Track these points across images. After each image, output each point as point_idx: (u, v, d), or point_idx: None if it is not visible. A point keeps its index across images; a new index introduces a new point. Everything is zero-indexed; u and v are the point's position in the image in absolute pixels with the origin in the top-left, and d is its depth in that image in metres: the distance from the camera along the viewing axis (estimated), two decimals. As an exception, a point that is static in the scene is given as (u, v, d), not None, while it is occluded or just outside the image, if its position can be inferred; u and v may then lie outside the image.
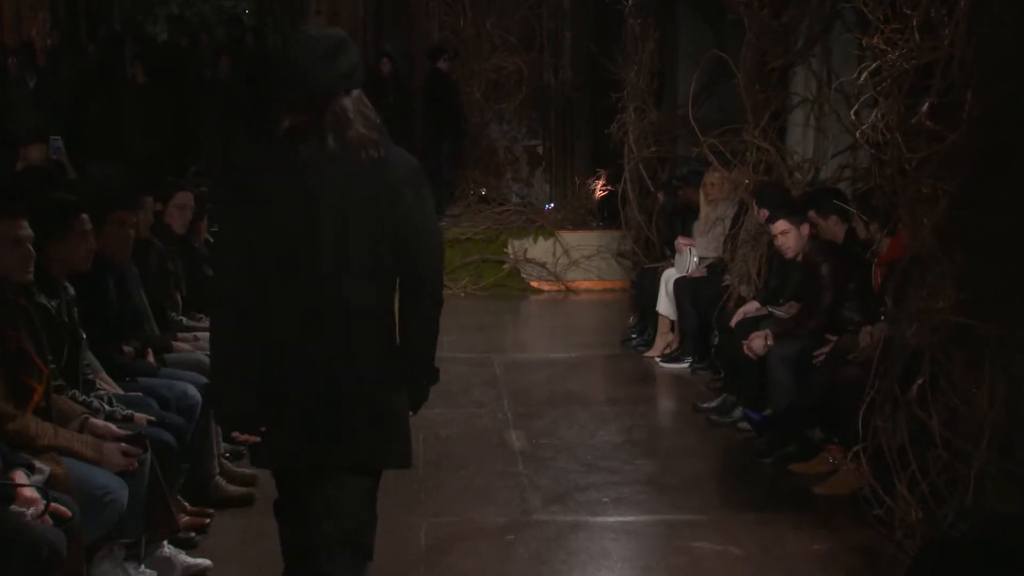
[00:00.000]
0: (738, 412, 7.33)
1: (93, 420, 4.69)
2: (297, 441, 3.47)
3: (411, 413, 3.66)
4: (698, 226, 9.26)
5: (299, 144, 3.37)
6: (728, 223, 8.80)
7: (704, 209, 9.16)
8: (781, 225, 7.08)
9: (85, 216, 5.06)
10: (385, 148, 3.44)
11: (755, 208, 7.85)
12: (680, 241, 9.42)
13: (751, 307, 7.65)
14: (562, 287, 13.28)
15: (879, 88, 5.30)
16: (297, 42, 3.45)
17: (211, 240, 7.45)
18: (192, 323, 6.70)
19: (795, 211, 7.13)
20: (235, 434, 3.52)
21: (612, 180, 13.21)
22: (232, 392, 3.45)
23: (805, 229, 7.02)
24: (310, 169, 3.37)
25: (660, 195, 10.37)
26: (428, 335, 3.61)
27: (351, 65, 3.42)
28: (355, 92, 3.44)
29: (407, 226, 3.44)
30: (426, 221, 3.49)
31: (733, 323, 7.58)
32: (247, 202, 3.39)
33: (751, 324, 7.31)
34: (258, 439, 3.48)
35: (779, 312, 7.30)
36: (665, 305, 9.33)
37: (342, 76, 3.40)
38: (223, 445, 6.25)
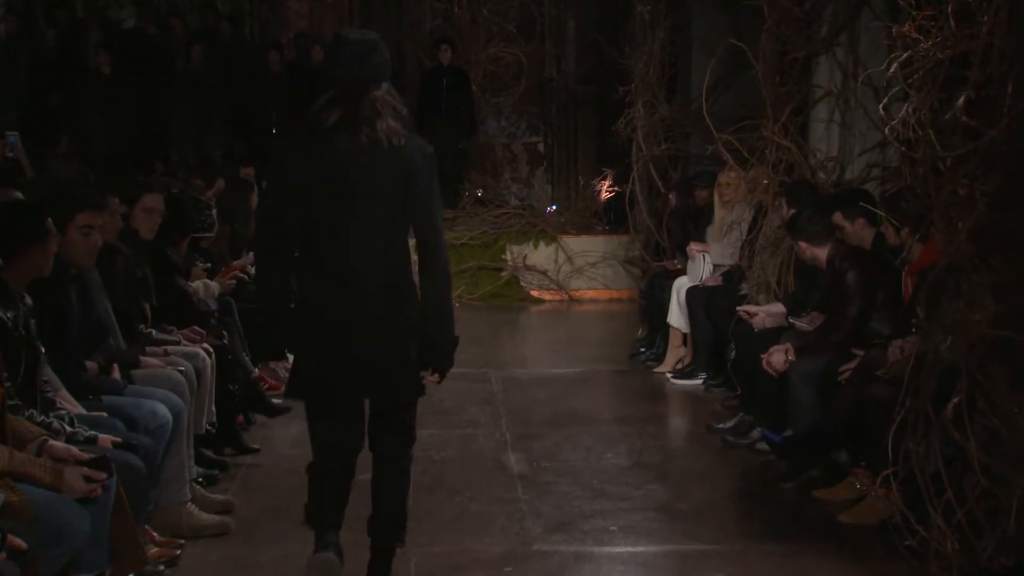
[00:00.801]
0: (756, 433, 7.32)
1: (52, 443, 4.65)
2: (332, 380, 4.62)
3: (437, 380, 4.72)
4: (712, 231, 9.26)
5: (340, 132, 4.49)
6: (745, 227, 8.81)
7: (719, 212, 9.17)
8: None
9: (49, 220, 5.04)
10: (406, 137, 4.55)
11: (785, 210, 7.84)
12: (693, 247, 9.41)
13: (776, 308, 7.62)
14: (565, 297, 13.31)
15: (910, 80, 5.27)
16: (338, 44, 4.59)
17: (190, 255, 7.79)
18: (162, 336, 6.67)
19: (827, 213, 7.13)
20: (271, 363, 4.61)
21: (619, 180, 13.26)
22: (273, 331, 4.75)
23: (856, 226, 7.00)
24: (347, 154, 4.49)
25: (671, 197, 10.38)
26: (442, 298, 4.64)
27: (381, 62, 4.57)
28: (384, 85, 4.57)
29: (420, 203, 4.55)
30: (434, 201, 4.60)
31: (754, 323, 7.61)
32: (296, 179, 4.53)
33: (770, 337, 7.29)
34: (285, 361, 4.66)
35: (801, 324, 7.28)
36: (677, 316, 9.34)
37: (374, 72, 4.54)
38: (196, 469, 6.23)
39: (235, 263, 8.71)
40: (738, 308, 7.86)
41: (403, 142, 4.54)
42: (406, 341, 4.62)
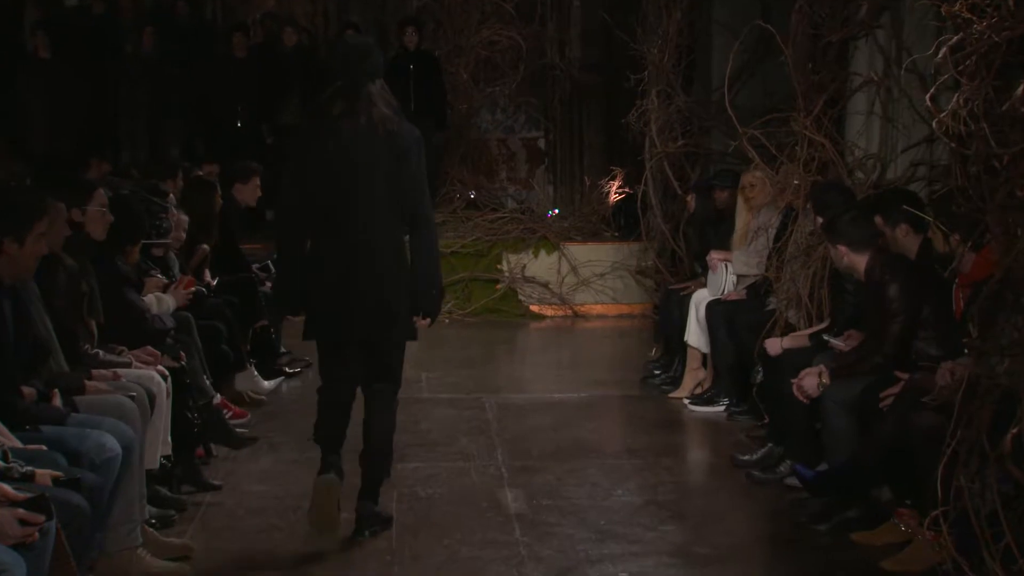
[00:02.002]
0: (786, 467, 7.31)
1: (-17, 480, 4.62)
2: (339, 324, 6.32)
3: (427, 323, 6.45)
4: (736, 237, 9.26)
5: (343, 120, 6.17)
6: (772, 233, 8.79)
7: (743, 216, 9.16)
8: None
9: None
10: (398, 123, 6.22)
11: (813, 216, 7.84)
12: (714, 256, 9.40)
13: (799, 339, 7.64)
14: (568, 312, 13.31)
15: (962, 67, 5.25)
16: (341, 47, 6.57)
17: (143, 264, 7.88)
18: (110, 357, 6.64)
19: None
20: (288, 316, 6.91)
21: (630, 181, 13.27)
22: (290, 285, 6.40)
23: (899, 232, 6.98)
24: (350, 137, 6.16)
25: (689, 199, 10.37)
26: (430, 254, 6.31)
27: (376, 63, 6.27)
28: (379, 81, 6.24)
29: (411, 180, 6.21)
30: (422, 177, 6.26)
31: (769, 349, 7.63)
32: (311, 158, 6.24)
33: (801, 358, 7.28)
34: (302, 317, 6.39)
35: (836, 343, 7.26)
36: (695, 335, 9.34)
37: (370, 70, 6.21)
38: (149, 509, 6.19)
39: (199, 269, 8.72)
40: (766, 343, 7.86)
41: (396, 127, 6.21)
42: (401, 291, 6.29)
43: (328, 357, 6.52)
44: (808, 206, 8.15)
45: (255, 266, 10.33)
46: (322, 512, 6.34)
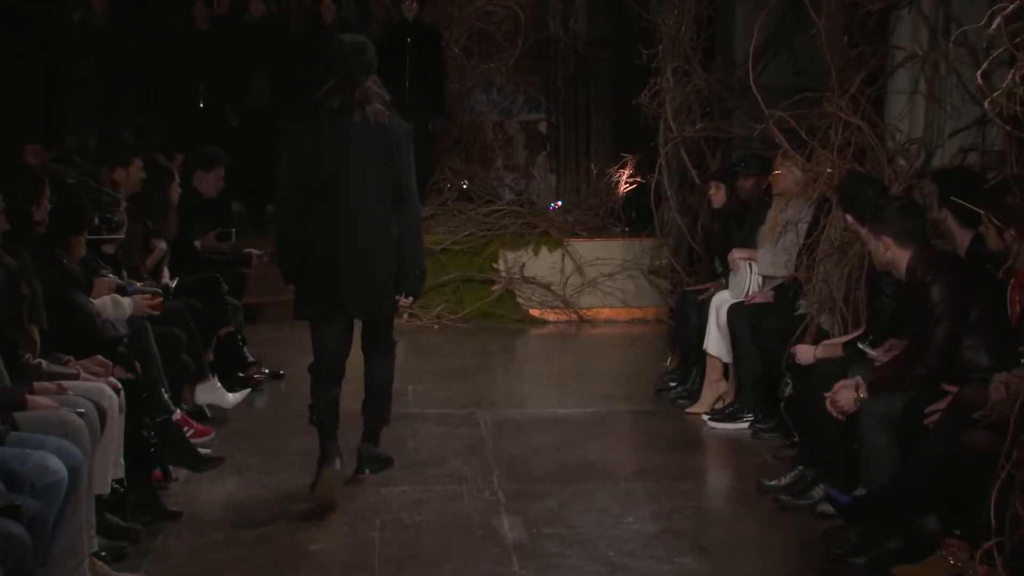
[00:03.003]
0: (819, 492, 7.29)
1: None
2: (331, 302, 7.50)
3: (410, 302, 7.93)
4: (763, 233, 9.25)
5: (340, 113, 7.36)
6: (803, 229, 8.78)
7: (770, 209, 9.13)
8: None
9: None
10: (390, 117, 7.46)
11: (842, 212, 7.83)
12: (736, 254, 9.40)
13: (833, 348, 7.62)
14: (573, 317, 13.31)
15: (1018, 39, 5.24)
16: (336, 44, 7.53)
17: (91, 262, 7.89)
18: (55, 368, 6.61)
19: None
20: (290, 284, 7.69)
21: (642, 169, 13.25)
22: (290, 259, 7.59)
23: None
24: (346, 130, 7.37)
25: (710, 190, 10.33)
26: (414, 238, 7.63)
27: (371, 59, 7.46)
28: (372, 77, 7.46)
29: (400, 171, 7.49)
30: (411, 168, 7.56)
31: (799, 357, 7.64)
32: (309, 149, 7.45)
33: (836, 369, 7.27)
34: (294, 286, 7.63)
35: (874, 353, 7.25)
36: (716, 342, 9.36)
37: (364, 66, 7.41)
38: (98, 540, 6.16)
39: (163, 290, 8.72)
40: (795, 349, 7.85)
41: (388, 121, 7.45)
42: (389, 270, 7.54)
43: (320, 333, 7.68)
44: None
45: (213, 234, 10.39)
46: (325, 497, 7.37)
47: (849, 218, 7.60)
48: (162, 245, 9.24)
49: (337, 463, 7.48)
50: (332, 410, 7.66)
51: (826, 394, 6.99)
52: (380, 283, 7.56)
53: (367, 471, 7.90)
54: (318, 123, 7.45)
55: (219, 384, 9.23)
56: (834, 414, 6.92)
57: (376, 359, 7.89)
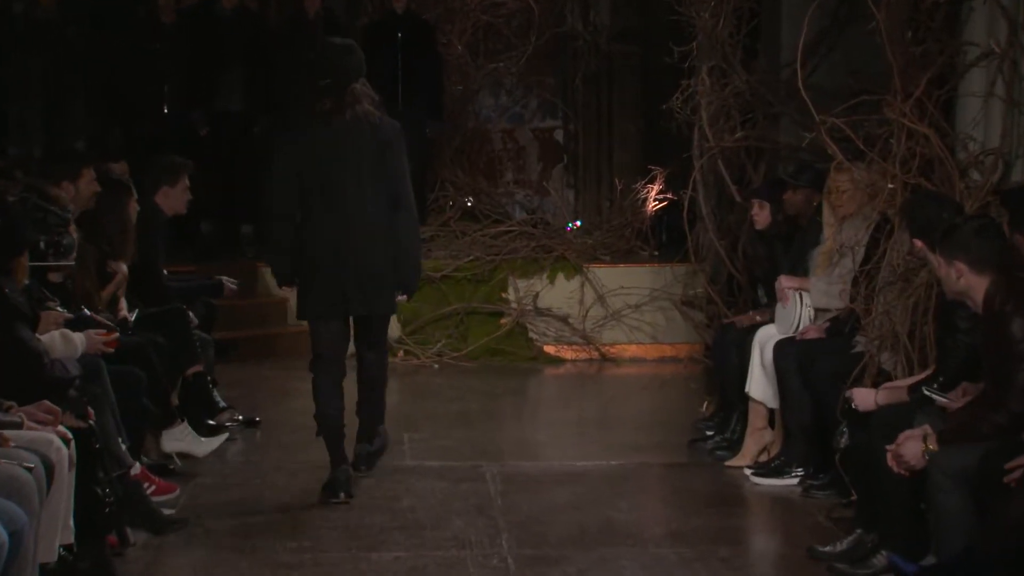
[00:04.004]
0: (881, 560, 7.24)
1: None
2: (332, 301, 8.61)
3: (406, 299, 9.09)
4: (815, 258, 9.23)
5: (332, 115, 8.51)
6: (861, 252, 8.78)
7: (827, 230, 9.17)
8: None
9: None
10: (380, 117, 8.60)
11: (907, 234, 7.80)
12: (784, 282, 9.37)
13: (897, 392, 7.59)
14: (594, 355, 13.31)
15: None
16: (326, 48, 8.76)
17: (36, 292, 7.92)
18: (-5, 416, 6.61)
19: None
20: (286, 288, 8.97)
21: (674, 184, 13.24)
22: (282, 260, 8.74)
23: None
24: (338, 131, 8.52)
25: (752, 208, 10.32)
26: (411, 234, 8.81)
27: (359, 62, 8.62)
28: (361, 79, 8.60)
29: (394, 170, 8.60)
30: (405, 167, 8.68)
31: (857, 403, 7.59)
32: (303, 150, 8.59)
33: (900, 416, 7.24)
34: (295, 287, 8.76)
35: (945, 398, 7.22)
36: (760, 385, 9.33)
37: (353, 69, 8.57)
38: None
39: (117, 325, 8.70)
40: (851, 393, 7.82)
41: (379, 121, 8.61)
42: (389, 267, 8.66)
43: (319, 331, 8.79)
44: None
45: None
46: (341, 485, 8.59)
47: (918, 243, 7.56)
48: (123, 269, 9.22)
49: (347, 468, 8.69)
50: (337, 423, 8.78)
51: (888, 446, 6.92)
52: (380, 280, 8.69)
53: (363, 468, 9.01)
54: (311, 126, 8.66)
55: (190, 429, 9.20)
56: (898, 469, 6.85)
57: (370, 360, 9.00)
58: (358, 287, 8.61)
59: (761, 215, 10.03)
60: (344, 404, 8.80)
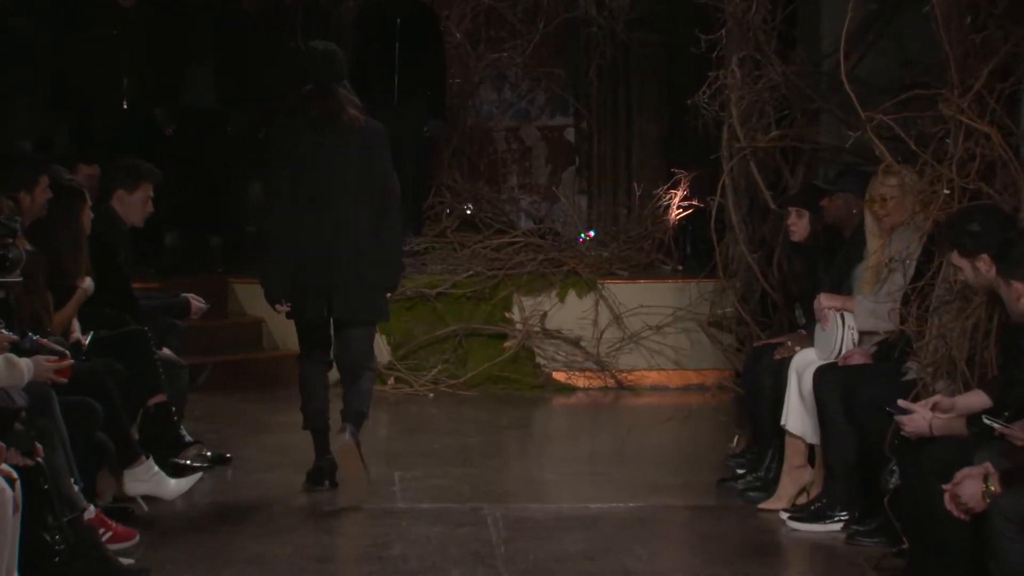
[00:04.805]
0: (937, 616, 7.22)
1: None
2: (320, 305, 9.56)
3: (388, 295, 9.98)
4: (860, 273, 9.24)
5: (317, 120, 9.50)
6: (912, 268, 8.77)
7: (872, 242, 9.15)
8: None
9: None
10: (364, 121, 9.60)
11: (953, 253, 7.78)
12: (825, 301, 9.35)
13: (970, 400, 7.53)
14: (610, 382, 13.32)
15: None
16: (310, 53, 9.77)
17: None
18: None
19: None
20: (277, 306, 9.69)
21: (700, 190, 13.25)
22: (278, 277, 9.62)
23: None
24: (324, 135, 9.51)
25: (788, 216, 10.32)
26: (395, 232, 9.83)
27: (342, 65, 9.69)
28: (344, 82, 9.59)
29: (379, 173, 9.62)
30: (389, 170, 9.68)
31: (908, 428, 7.54)
32: (293, 156, 9.59)
33: (958, 452, 7.21)
34: (288, 308, 9.66)
35: (1008, 429, 7.19)
36: (798, 417, 9.32)
37: (336, 73, 9.59)
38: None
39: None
40: (897, 404, 7.78)
41: (362, 125, 9.61)
42: (375, 272, 9.65)
43: (307, 333, 9.91)
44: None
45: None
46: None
47: (970, 261, 7.53)
48: (85, 285, 9.20)
49: (347, 433, 9.42)
50: (323, 421, 9.82)
51: (945, 486, 6.89)
52: (368, 284, 9.68)
53: (350, 428, 9.52)
54: (299, 133, 9.64)
55: (156, 467, 9.16)
56: (956, 513, 6.82)
57: (352, 368, 9.82)
58: (346, 290, 9.59)
59: (798, 225, 10.04)
60: (329, 396, 9.85)
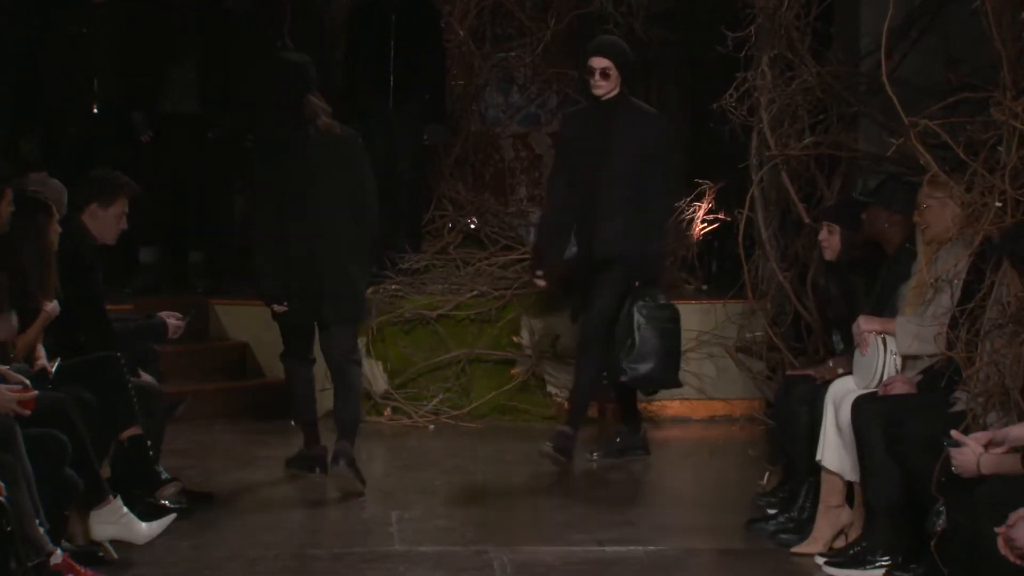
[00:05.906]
0: (989, 670, 7.17)
1: None
2: (307, 309, 11.03)
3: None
4: (904, 294, 9.20)
5: (295, 128, 10.90)
6: (960, 287, 8.70)
7: (921, 259, 9.06)
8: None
9: None
10: (342, 129, 11.09)
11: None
12: (865, 324, 9.32)
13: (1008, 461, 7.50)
14: (628, 413, 13.26)
15: None
16: (281, 63, 11.53)
17: None
18: None
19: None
20: (274, 306, 11.07)
21: (726, 202, 13.24)
22: (271, 280, 11.01)
23: None
24: (303, 143, 10.92)
25: (823, 231, 10.28)
26: (373, 232, 11.33)
27: (312, 75, 11.05)
28: (315, 91, 11.01)
29: (356, 177, 11.08)
30: (368, 173, 11.18)
31: (958, 464, 7.44)
32: (273, 164, 11.05)
33: (1011, 491, 7.16)
34: (286, 308, 11.03)
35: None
36: (835, 452, 9.28)
37: (308, 82, 10.97)
38: None
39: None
40: (952, 435, 7.73)
41: (339, 132, 10.83)
42: (359, 274, 11.02)
43: (291, 332, 11.18)
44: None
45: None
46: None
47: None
48: (50, 308, 9.18)
49: (342, 462, 10.49)
50: (312, 414, 11.28)
51: (998, 528, 6.86)
52: (351, 283, 10.98)
53: (343, 462, 10.52)
54: (279, 142, 10.90)
55: (124, 508, 9.12)
56: (1012, 559, 6.80)
57: (341, 367, 11.07)
58: (333, 293, 10.86)
59: (830, 242, 10.01)
60: (315, 389, 11.32)
